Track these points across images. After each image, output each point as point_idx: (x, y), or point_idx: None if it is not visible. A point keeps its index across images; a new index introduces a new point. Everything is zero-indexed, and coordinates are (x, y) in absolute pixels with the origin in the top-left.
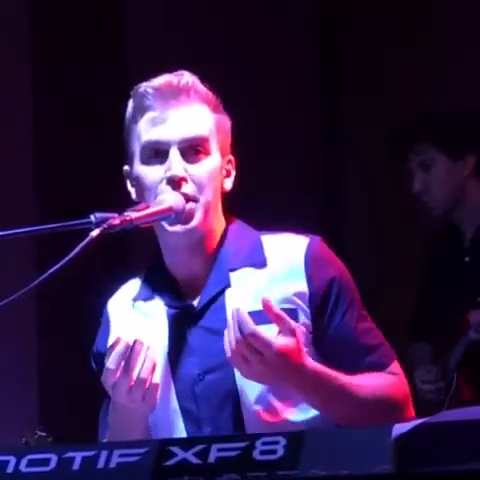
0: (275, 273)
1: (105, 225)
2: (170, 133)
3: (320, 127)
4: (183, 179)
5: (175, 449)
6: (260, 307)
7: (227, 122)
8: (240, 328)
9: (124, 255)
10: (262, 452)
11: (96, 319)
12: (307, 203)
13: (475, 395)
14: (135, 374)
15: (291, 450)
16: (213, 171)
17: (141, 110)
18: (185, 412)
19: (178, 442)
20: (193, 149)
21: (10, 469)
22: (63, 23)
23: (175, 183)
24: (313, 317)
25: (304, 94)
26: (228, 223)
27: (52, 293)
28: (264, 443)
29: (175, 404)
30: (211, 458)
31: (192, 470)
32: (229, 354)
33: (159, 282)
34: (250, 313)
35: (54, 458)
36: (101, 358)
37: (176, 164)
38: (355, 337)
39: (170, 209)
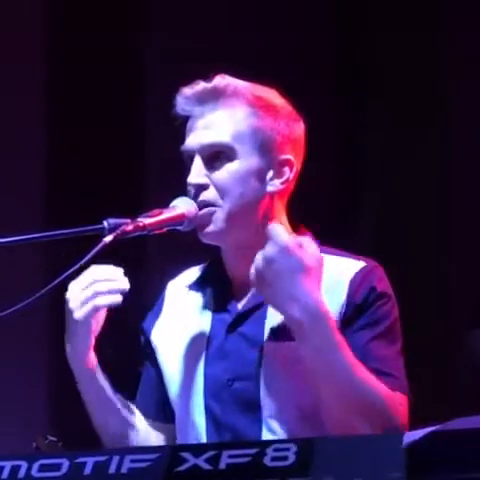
0: (322, 292)
1: (118, 231)
2: (193, 141)
3: (336, 126)
4: (201, 187)
5: (186, 455)
6: None
7: (277, 123)
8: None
9: (139, 261)
10: (273, 459)
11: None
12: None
13: None
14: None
15: (302, 457)
16: (238, 175)
17: (185, 120)
18: (209, 414)
19: (189, 448)
20: (215, 155)
21: (22, 474)
22: (79, 23)
23: (193, 191)
24: (340, 328)
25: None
26: (296, 234)
27: (63, 298)
28: (275, 450)
29: (201, 404)
30: (222, 464)
31: (203, 476)
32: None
33: (215, 277)
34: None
35: (66, 463)
36: (146, 336)
37: (193, 172)
38: (362, 353)
39: (182, 216)
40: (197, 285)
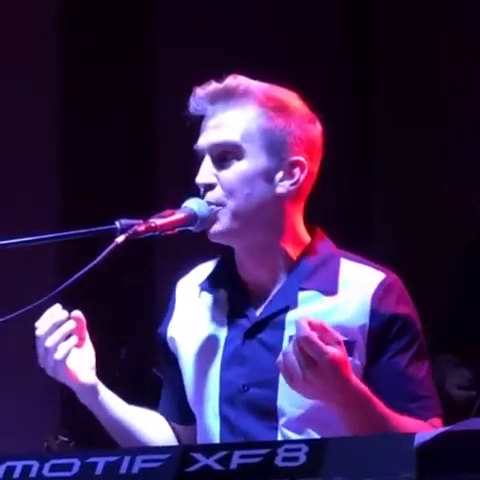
0: (341, 302)
1: (130, 232)
2: (203, 140)
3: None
4: (209, 186)
5: (197, 455)
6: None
7: (288, 123)
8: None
9: (148, 261)
10: (284, 459)
11: (119, 324)
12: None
13: None
14: (46, 343)
15: (313, 457)
16: (245, 175)
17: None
18: (224, 418)
19: (201, 448)
20: (223, 155)
21: (33, 474)
22: (92, 23)
23: (202, 191)
24: (368, 351)
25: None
26: (313, 237)
27: (76, 298)
28: (286, 450)
29: (216, 408)
30: (233, 464)
31: (214, 476)
32: (281, 359)
33: (227, 277)
34: None
35: (77, 463)
36: (162, 339)
37: (202, 171)
38: (400, 380)
39: (194, 216)
40: (209, 285)
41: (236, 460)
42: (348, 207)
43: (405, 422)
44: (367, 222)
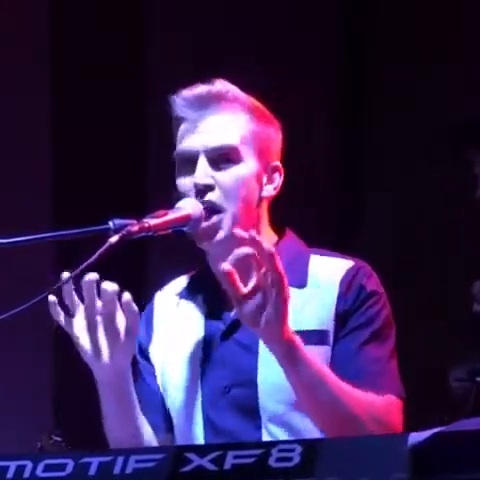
0: (312, 294)
1: (124, 232)
2: (198, 142)
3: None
4: (208, 187)
5: (191, 455)
6: (292, 328)
7: (270, 129)
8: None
9: (141, 264)
10: (278, 459)
11: None
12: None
13: None
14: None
15: (307, 458)
16: (243, 178)
17: (177, 122)
18: (207, 422)
19: (194, 448)
20: (221, 158)
21: (27, 474)
22: (82, 23)
23: (200, 191)
24: (334, 333)
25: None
26: (280, 236)
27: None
28: (280, 450)
29: (199, 413)
30: (227, 465)
31: (208, 477)
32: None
33: (204, 284)
34: None
35: (71, 463)
36: (143, 351)
37: (201, 172)
38: (355, 355)
39: (188, 216)
40: (187, 292)
41: (230, 460)
42: (341, 205)
43: (352, 391)
44: (360, 217)
